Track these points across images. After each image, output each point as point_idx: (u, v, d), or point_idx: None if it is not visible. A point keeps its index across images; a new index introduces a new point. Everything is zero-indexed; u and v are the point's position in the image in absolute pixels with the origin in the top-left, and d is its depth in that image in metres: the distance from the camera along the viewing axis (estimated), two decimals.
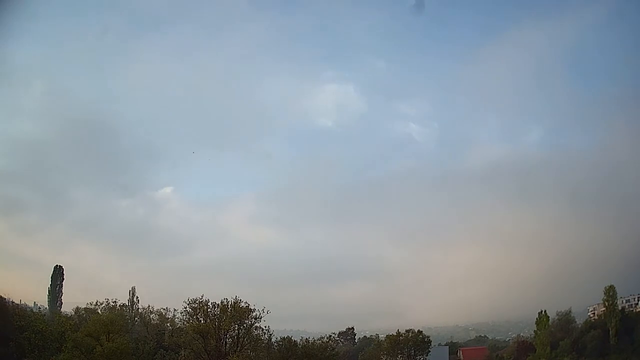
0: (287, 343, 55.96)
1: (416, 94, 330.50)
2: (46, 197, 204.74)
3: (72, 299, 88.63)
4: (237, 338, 50.30)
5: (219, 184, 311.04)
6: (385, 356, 79.31)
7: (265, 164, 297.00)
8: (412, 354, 74.52)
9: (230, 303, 49.50)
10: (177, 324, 62.88)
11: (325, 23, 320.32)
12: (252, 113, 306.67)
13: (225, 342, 49.95)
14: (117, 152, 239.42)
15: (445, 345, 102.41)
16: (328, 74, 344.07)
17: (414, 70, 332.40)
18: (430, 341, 77.97)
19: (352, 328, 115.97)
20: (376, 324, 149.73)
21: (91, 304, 70.66)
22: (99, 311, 67.45)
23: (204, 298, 49.86)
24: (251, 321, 50.38)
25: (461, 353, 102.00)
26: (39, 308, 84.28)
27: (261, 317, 50.34)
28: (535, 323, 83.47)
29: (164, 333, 64.36)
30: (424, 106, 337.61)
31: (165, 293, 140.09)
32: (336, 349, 64.48)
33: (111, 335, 45.67)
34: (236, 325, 50.01)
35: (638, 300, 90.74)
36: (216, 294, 51.79)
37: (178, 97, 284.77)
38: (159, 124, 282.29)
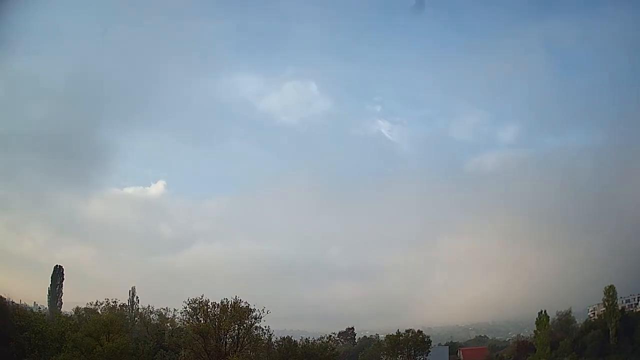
0: (287, 343, 56.04)
1: (382, 92, 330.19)
2: (32, 196, 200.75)
3: (72, 299, 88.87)
4: (237, 338, 50.18)
5: (201, 182, 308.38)
6: (385, 356, 79.50)
7: (241, 163, 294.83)
8: (412, 354, 74.50)
9: (230, 303, 49.42)
10: (177, 324, 62.83)
11: (284, 20, 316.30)
12: (214, 111, 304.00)
13: (225, 342, 49.84)
14: (95, 150, 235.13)
15: (445, 345, 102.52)
16: (288, 71, 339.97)
17: (381, 68, 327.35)
18: (430, 341, 78.02)
19: (352, 328, 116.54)
20: (376, 324, 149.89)
21: (91, 304, 70.94)
22: (99, 311, 67.59)
23: (203, 298, 49.90)
24: (251, 321, 50.29)
25: (461, 353, 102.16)
26: (39, 308, 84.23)
27: (261, 317, 50.35)
28: (535, 323, 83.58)
29: (164, 333, 64.21)
30: (391, 103, 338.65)
31: (163, 292, 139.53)
32: (336, 349, 64.49)
33: (111, 335, 45.64)
34: (236, 325, 49.90)
35: (638, 300, 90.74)
36: (215, 294, 51.47)
37: (140, 94, 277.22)
38: (123, 119, 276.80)
